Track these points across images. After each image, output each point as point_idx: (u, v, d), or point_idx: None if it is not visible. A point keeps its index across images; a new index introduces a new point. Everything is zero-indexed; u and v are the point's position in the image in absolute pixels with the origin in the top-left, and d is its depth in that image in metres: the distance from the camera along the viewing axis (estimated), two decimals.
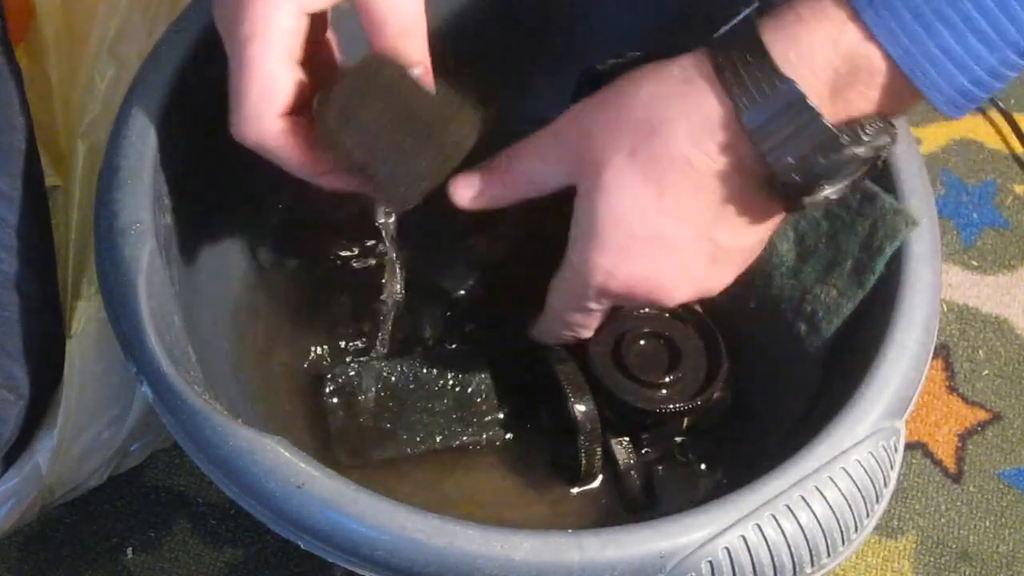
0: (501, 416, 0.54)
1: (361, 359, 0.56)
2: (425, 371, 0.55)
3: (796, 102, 0.38)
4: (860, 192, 0.51)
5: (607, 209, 0.42)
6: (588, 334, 0.50)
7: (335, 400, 0.55)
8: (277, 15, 0.39)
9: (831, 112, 0.38)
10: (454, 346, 0.57)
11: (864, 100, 0.38)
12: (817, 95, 0.38)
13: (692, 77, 0.40)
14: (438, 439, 0.53)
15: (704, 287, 0.45)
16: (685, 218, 0.41)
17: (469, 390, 0.54)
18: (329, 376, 0.55)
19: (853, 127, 0.39)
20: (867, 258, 0.49)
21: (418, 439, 0.53)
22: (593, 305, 0.46)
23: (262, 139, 0.41)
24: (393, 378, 0.55)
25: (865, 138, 0.39)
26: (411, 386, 0.55)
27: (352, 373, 0.55)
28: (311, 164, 0.42)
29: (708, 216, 0.41)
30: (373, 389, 0.55)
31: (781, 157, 0.38)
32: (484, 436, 0.54)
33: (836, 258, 0.51)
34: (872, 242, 0.49)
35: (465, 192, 0.45)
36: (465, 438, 0.53)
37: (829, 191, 0.39)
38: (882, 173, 0.51)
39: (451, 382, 0.55)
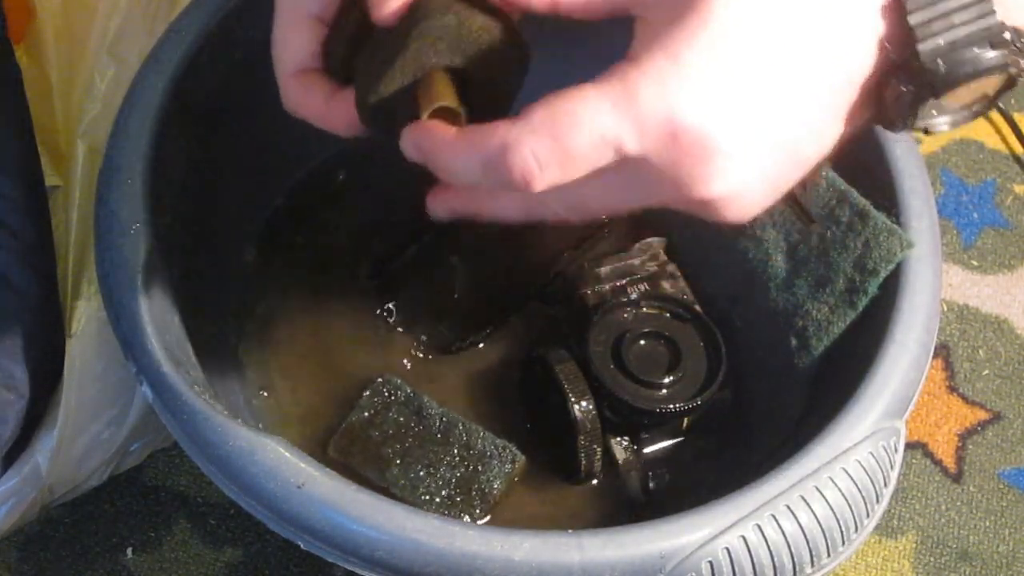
0: (483, 521, 0.52)
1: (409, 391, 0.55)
2: (458, 435, 0.53)
3: None
4: (850, 206, 0.51)
5: (726, 16, 0.31)
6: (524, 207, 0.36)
7: (372, 399, 0.54)
8: None
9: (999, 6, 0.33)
10: (502, 440, 0.54)
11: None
12: None
13: None
14: (416, 495, 0.52)
15: (750, 191, 0.34)
16: (794, 74, 0.33)
17: (478, 480, 0.52)
18: (381, 379, 0.55)
19: (1012, 30, 0.34)
20: (860, 279, 0.49)
21: (402, 482, 0.52)
22: (627, 140, 0.31)
23: (285, 102, 0.41)
24: (429, 421, 0.54)
25: (1019, 46, 0.33)
26: (438, 437, 0.53)
27: (400, 390, 0.55)
28: (328, 119, 0.40)
29: (815, 87, 0.33)
30: (405, 416, 0.54)
31: (931, 36, 0.33)
32: None
33: (828, 274, 0.51)
34: (866, 262, 0.49)
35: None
36: (434, 510, 0.51)
37: (956, 103, 0.35)
38: (881, 173, 0.51)
39: (471, 463, 0.53)
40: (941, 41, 0.33)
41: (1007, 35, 0.33)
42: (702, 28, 0.32)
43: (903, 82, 0.34)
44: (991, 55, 0.33)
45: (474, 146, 0.33)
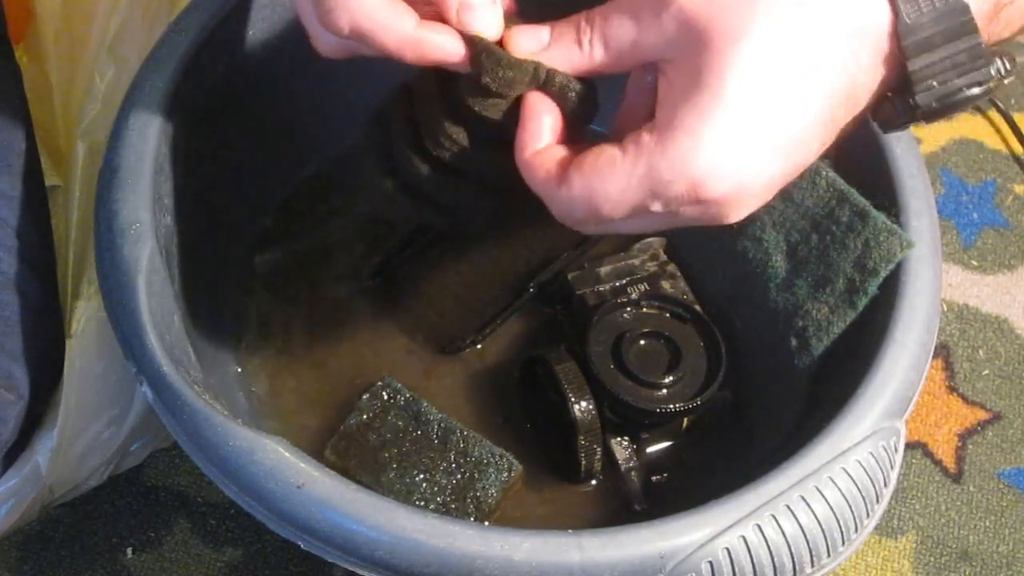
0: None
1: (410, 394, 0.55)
2: (456, 441, 0.53)
3: (964, 25, 0.35)
4: (850, 206, 0.51)
5: (741, 86, 0.34)
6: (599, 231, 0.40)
7: (372, 402, 0.54)
8: None
9: (987, 34, 0.35)
10: (499, 450, 0.53)
11: (1014, 23, 0.36)
12: (980, 14, 0.35)
13: None
14: (411, 501, 0.51)
15: (759, 202, 0.37)
16: (811, 122, 0.35)
17: (474, 488, 0.52)
18: (381, 382, 0.55)
19: (994, 54, 0.36)
20: (860, 279, 0.49)
21: (397, 487, 0.52)
22: (656, 207, 0.36)
23: (361, 19, 0.38)
24: (428, 426, 0.53)
25: (998, 68, 0.36)
26: (435, 443, 0.53)
27: (400, 394, 0.54)
28: (414, 39, 0.38)
29: (821, 127, 0.36)
30: (404, 421, 0.54)
31: (927, 80, 0.35)
32: None
33: (828, 274, 0.51)
34: (866, 262, 0.49)
35: (526, 42, 0.38)
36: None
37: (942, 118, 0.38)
38: (881, 173, 0.51)
39: (468, 471, 0.52)
40: (935, 83, 0.36)
41: (994, 70, 0.36)
42: (717, 103, 0.34)
43: (898, 110, 0.37)
44: (979, 90, 0.36)
45: (540, 184, 0.38)
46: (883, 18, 0.35)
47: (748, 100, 0.34)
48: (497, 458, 0.53)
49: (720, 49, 0.34)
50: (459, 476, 0.52)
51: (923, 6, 0.34)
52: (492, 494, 0.52)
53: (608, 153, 0.36)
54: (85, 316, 0.53)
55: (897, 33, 0.35)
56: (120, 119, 0.49)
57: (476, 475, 0.52)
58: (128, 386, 0.55)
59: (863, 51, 0.35)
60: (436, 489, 0.52)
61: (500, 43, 0.39)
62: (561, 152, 0.39)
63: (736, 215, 0.36)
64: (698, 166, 0.34)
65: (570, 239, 0.61)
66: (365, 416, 0.54)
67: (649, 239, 0.60)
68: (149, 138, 0.48)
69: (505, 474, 0.52)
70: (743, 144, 0.34)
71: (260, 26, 0.55)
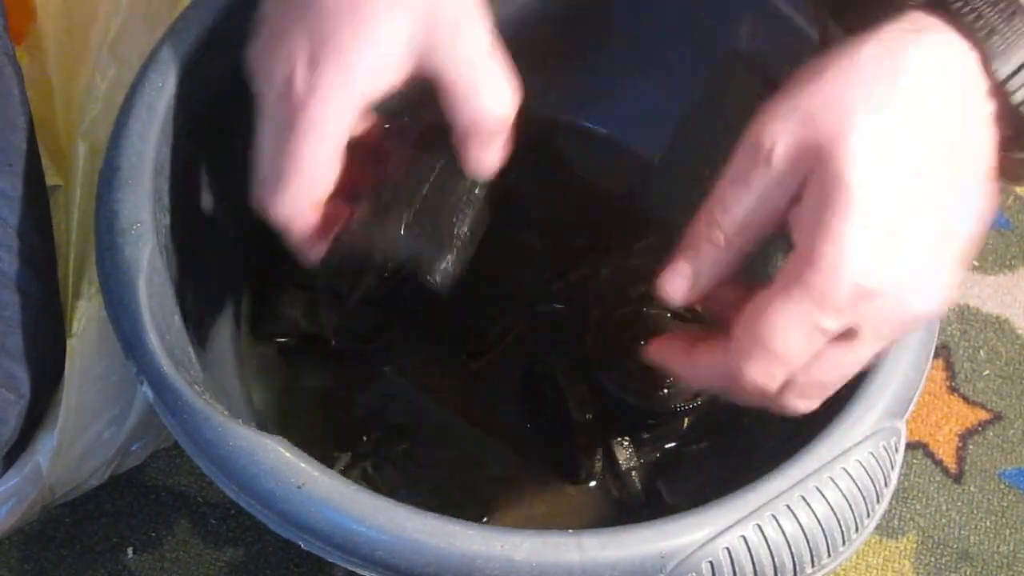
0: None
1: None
2: (457, 438, 0.53)
3: None
4: None
5: (861, 185, 0.34)
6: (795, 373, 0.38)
7: (374, 400, 0.54)
8: (342, 110, 0.40)
9: None
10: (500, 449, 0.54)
11: None
12: None
13: (922, 27, 0.35)
14: (414, 498, 0.51)
15: (943, 292, 0.36)
16: (942, 196, 0.36)
17: (477, 485, 0.52)
18: (381, 381, 0.55)
19: None
20: None
21: (402, 483, 0.52)
22: (829, 323, 0.35)
23: (289, 222, 0.43)
24: (428, 423, 0.53)
25: None
26: (436, 440, 0.53)
27: (401, 392, 0.54)
28: (316, 248, 0.45)
29: (957, 190, 0.36)
30: (404, 418, 0.54)
31: None
32: None
33: None
34: None
35: (677, 284, 0.39)
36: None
37: None
38: None
39: (469, 467, 0.52)
40: None
41: None
42: (850, 217, 0.34)
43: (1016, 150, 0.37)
44: None
45: (710, 366, 0.39)
46: (970, 57, 0.35)
47: (874, 202, 0.35)
48: (499, 455, 0.53)
49: (830, 158, 0.34)
50: (461, 474, 0.52)
51: (1008, 37, 0.35)
52: (495, 492, 0.52)
53: (766, 304, 0.36)
54: (86, 316, 0.53)
55: (991, 71, 0.35)
56: (121, 119, 0.49)
57: (477, 472, 0.52)
58: (129, 386, 0.55)
59: (961, 95, 0.36)
60: (439, 487, 0.52)
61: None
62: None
63: (922, 301, 0.36)
64: (846, 265, 0.34)
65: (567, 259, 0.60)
66: (368, 414, 0.54)
67: (649, 239, 0.60)
68: (150, 138, 0.48)
69: (507, 472, 0.52)
70: (877, 244, 0.35)
71: None
